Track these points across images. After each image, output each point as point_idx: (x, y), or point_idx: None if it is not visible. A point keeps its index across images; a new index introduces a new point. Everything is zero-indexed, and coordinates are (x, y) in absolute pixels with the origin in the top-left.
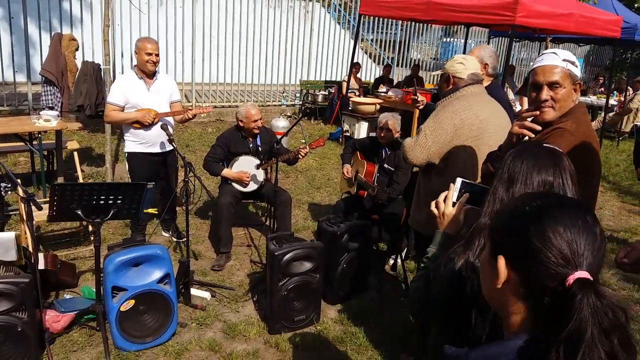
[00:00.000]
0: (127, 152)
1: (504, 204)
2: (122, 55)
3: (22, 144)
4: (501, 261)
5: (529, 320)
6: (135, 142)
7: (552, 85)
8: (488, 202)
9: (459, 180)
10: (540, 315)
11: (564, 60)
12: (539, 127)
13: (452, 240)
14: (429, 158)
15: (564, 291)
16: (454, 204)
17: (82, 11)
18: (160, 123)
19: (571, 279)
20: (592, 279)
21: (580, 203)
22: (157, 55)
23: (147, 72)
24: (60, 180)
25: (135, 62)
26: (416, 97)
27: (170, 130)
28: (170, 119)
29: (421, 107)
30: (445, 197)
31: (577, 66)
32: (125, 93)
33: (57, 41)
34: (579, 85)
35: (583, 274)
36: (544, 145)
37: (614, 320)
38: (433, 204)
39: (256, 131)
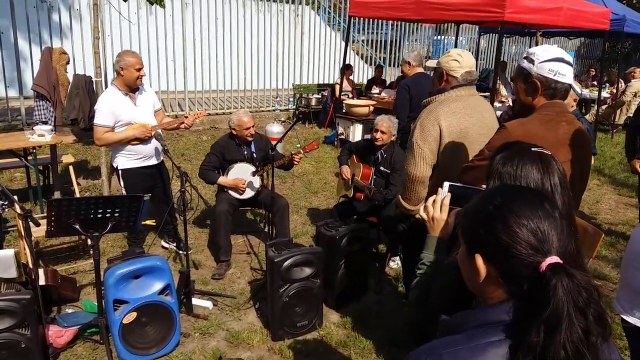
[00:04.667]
0: (121, 170)
1: (469, 204)
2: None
3: (17, 159)
4: (479, 259)
5: (508, 301)
6: (130, 158)
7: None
8: None
9: (446, 184)
10: (520, 299)
11: (524, 56)
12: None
13: (444, 244)
14: (431, 165)
15: (539, 277)
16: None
17: (72, 23)
18: (155, 135)
19: (543, 265)
20: (562, 262)
21: (536, 192)
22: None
23: (134, 88)
24: (56, 194)
25: (113, 78)
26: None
27: (163, 140)
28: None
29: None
30: (434, 201)
31: (533, 60)
32: (115, 112)
33: (48, 55)
34: (536, 82)
35: (553, 259)
36: (533, 149)
37: (588, 298)
38: (421, 208)
39: (250, 138)
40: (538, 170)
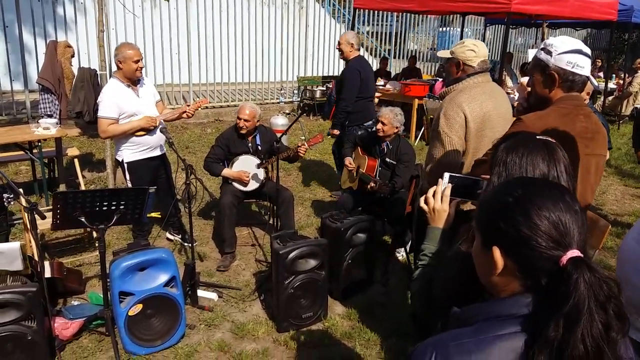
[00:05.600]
0: (127, 163)
1: (486, 195)
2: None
3: (22, 153)
4: (496, 252)
5: (522, 294)
6: (136, 151)
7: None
8: None
9: (446, 175)
10: (537, 292)
11: (541, 47)
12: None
13: (447, 234)
14: (461, 151)
15: (559, 271)
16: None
17: (76, 16)
18: (160, 126)
19: (564, 259)
20: (582, 255)
21: (556, 185)
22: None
23: (135, 79)
24: (62, 187)
25: (114, 70)
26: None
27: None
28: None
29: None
30: (434, 192)
31: (550, 52)
32: (119, 104)
33: (53, 49)
34: (553, 74)
35: (574, 252)
36: (538, 137)
37: (609, 292)
38: (422, 199)
39: (242, 131)
40: (543, 158)
